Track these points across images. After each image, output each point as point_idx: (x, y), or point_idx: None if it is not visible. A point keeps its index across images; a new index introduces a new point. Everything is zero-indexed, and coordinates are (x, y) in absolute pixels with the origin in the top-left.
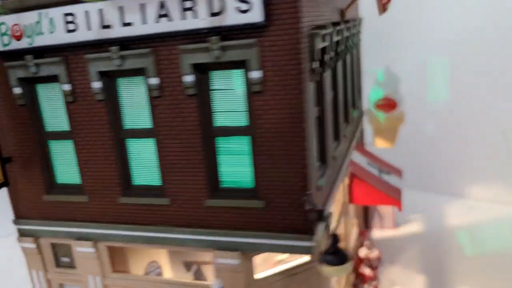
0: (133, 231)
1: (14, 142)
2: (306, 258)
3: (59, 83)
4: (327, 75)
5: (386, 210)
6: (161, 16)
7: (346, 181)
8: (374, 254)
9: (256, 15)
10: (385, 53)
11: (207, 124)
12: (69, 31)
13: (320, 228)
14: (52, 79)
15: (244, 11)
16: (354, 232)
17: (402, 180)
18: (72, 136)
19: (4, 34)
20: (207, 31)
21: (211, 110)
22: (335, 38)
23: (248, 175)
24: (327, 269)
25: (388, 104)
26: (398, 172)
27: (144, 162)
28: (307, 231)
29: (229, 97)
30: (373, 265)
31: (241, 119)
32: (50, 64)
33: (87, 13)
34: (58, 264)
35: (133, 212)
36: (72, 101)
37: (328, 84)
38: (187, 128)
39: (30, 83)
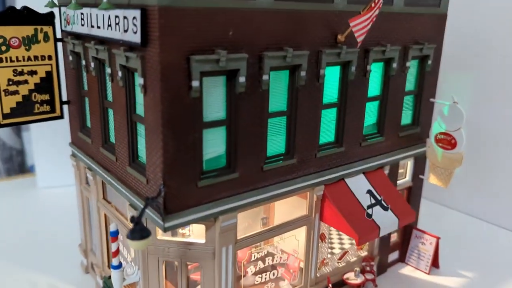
0: (103, 172)
1: None
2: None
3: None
4: (251, 97)
5: (427, 251)
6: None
7: (315, 198)
8: (354, 281)
9: (138, 37)
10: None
11: (131, 110)
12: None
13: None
14: None
15: (135, 32)
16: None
17: (400, 220)
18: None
19: None
20: (121, 42)
21: (135, 101)
22: (274, 63)
23: (143, 155)
24: (130, 243)
25: (449, 141)
26: (406, 213)
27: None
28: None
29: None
30: None
31: (142, 111)
32: None
33: None
34: None
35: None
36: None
37: (254, 106)
38: (121, 109)
39: None
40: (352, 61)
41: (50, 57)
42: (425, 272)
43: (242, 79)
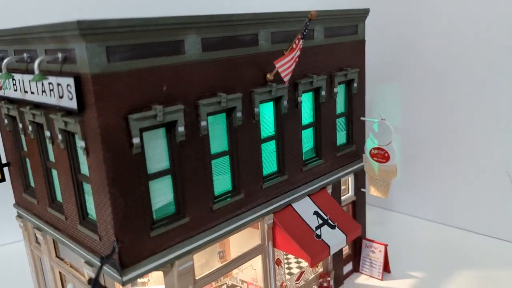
0: (54, 232)
1: None
2: None
3: None
4: (192, 143)
5: (378, 258)
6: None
7: (266, 227)
8: None
9: (74, 103)
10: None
11: (75, 170)
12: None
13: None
14: None
15: (71, 99)
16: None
17: (347, 236)
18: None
19: None
20: (58, 108)
21: (78, 161)
22: (211, 109)
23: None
24: None
25: (382, 155)
26: (352, 228)
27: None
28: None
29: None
30: None
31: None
32: None
33: None
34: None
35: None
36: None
37: (196, 150)
38: (66, 169)
39: None
40: (283, 96)
41: None
42: (378, 279)
43: (181, 128)
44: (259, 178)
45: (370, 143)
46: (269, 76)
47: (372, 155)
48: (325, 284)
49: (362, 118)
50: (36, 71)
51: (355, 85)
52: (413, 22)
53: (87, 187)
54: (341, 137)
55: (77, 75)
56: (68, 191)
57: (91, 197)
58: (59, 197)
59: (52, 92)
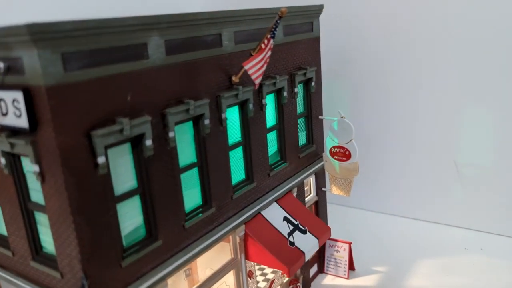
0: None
1: None
2: None
3: None
4: (162, 157)
5: (343, 257)
6: None
7: (238, 239)
8: None
9: (23, 121)
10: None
11: (24, 198)
12: None
13: None
14: None
15: (18, 116)
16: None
17: (319, 240)
18: None
19: None
20: (1, 127)
21: (26, 187)
22: (178, 118)
23: (52, 246)
24: None
25: (343, 153)
26: (323, 230)
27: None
28: None
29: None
30: None
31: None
32: None
33: None
34: None
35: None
36: None
37: (164, 165)
38: (11, 198)
39: None
40: (249, 99)
41: None
42: (345, 278)
43: (148, 142)
44: (229, 188)
45: (330, 142)
46: (234, 79)
47: (332, 154)
48: None
49: (321, 117)
50: None
51: (313, 83)
52: (359, 18)
53: (40, 217)
54: (302, 138)
55: (26, 88)
56: (15, 223)
57: (47, 228)
58: (3, 230)
59: None
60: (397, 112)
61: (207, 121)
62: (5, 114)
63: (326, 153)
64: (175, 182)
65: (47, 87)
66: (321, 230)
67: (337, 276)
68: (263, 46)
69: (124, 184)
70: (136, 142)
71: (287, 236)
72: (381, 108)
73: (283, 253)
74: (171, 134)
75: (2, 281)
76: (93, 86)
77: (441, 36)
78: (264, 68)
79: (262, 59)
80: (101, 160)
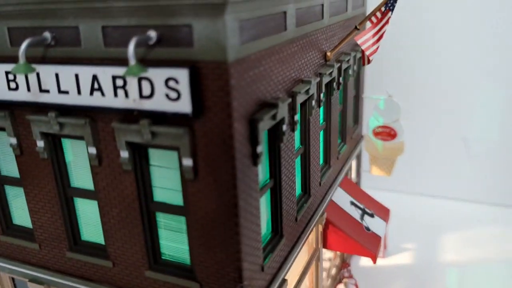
0: (79, 284)
1: None
2: None
3: (7, 135)
4: (287, 144)
5: None
6: (95, 89)
7: (320, 227)
8: None
9: (185, 105)
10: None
11: (146, 198)
12: (11, 89)
13: None
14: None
15: (174, 99)
16: (330, 273)
17: (387, 224)
18: (22, 184)
19: None
20: (137, 113)
21: (150, 185)
22: (302, 99)
23: (186, 254)
24: None
25: (388, 133)
26: (384, 212)
27: (90, 221)
28: None
29: (167, 175)
30: None
31: (178, 199)
32: None
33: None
34: None
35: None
36: (19, 155)
37: (289, 153)
38: (125, 199)
39: None
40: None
41: None
42: (381, 257)
43: (285, 127)
44: (317, 174)
45: (374, 122)
46: (330, 55)
47: (375, 134)
48: (346, 274)
49: (366, 96)
50: (132, 61)
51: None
52: None
53: (165, 219)
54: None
55: (192, 64)
56: (125, 228)
57: (171, 232)
58: (97, 238)
59: (120, 91)
60: (409, 91)
61: (314, 102)
62: (148, 97)
63: (369, 133)
64: (292, 171)
65: (231, 63)
66: (383, 212)
67: None
68: (374, 19)
69: (263, 176)
70: (273, 128)
71: (360, 221)
72: (394, 85)
73: (365, 239)
74: (296, 117)
75: None
76: (262, 61)
77: (454, 13)
78: (378, 43)
79: (377, 33)
80: (259, 149)
